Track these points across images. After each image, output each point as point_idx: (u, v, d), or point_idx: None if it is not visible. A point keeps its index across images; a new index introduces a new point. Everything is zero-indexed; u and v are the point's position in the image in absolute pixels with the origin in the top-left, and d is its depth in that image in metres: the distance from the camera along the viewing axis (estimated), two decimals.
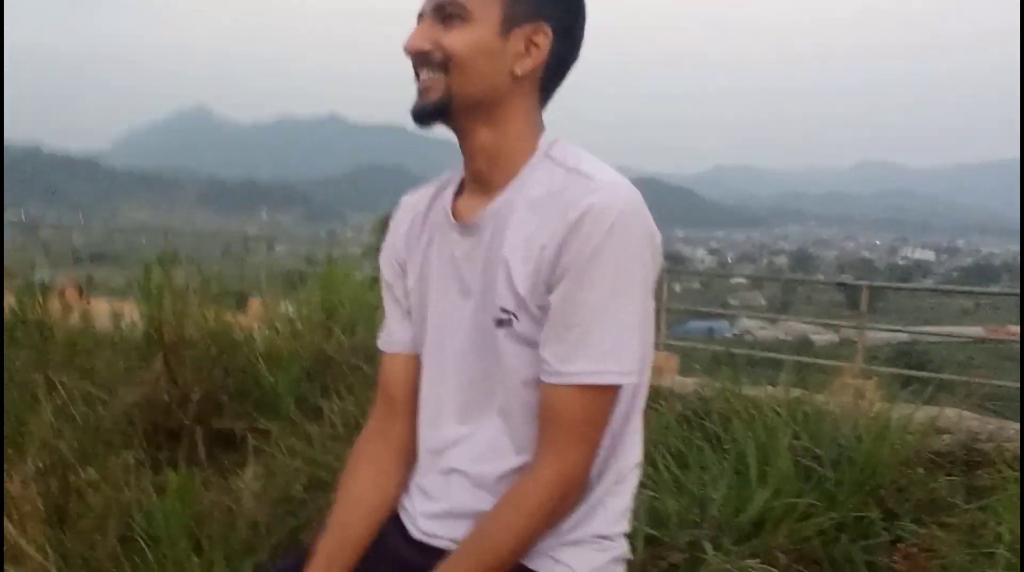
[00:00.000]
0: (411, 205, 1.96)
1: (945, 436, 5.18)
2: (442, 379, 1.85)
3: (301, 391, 4.05)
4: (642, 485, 3.49)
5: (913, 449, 4.21)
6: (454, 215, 1.83)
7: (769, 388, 5.22)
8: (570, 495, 1.68)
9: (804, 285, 70.65)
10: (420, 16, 1.73)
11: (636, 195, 1.66)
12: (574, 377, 1.63)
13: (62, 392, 3.68)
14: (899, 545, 2.92)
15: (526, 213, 1.71)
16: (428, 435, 1.89)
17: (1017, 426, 5.70)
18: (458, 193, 1.87)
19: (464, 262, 1.79)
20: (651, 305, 1.71)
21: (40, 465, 2.97)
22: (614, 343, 1.63)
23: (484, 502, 1.72)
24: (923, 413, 5.05)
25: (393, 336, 1.96)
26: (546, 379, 1.66)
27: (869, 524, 3.41)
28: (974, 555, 3.18)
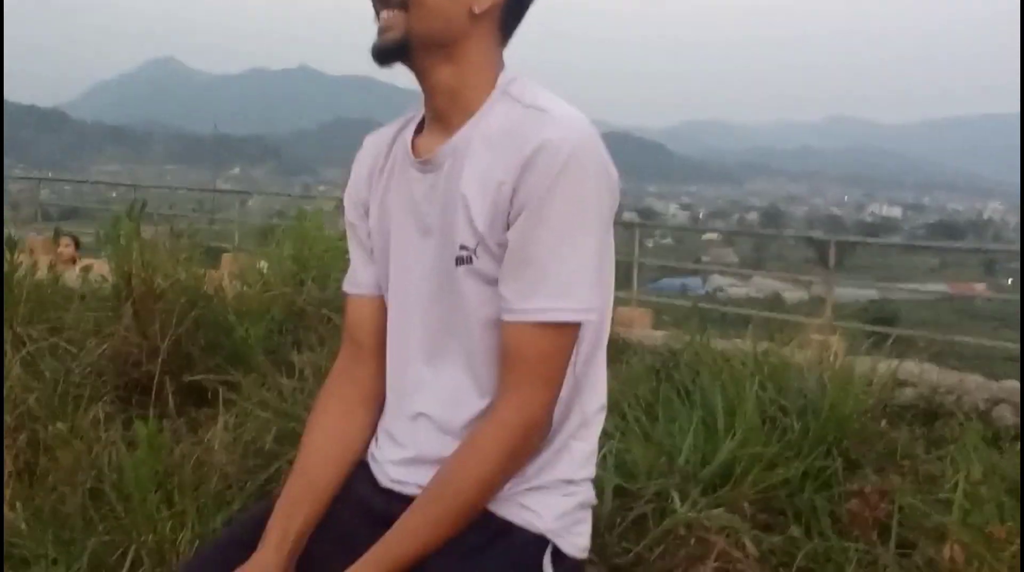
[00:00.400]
0: (373, 144, 1.95)
1: (907, 389, 5.29)
2: (407, 321, 1.84)
3: (272, 344, 4.05)
4: (610, 436, 3.57)
5: (876, 401, 4.28)
6: (414, 152, 1.82)
7: (737, 341, 5.28)
8: (532, 437, 1.68)
9: (776, 241, 70.84)
10: None
11: (591, 130, 1.67)
12: (531, 314, 1.63)
13: (29, 346, 3.65)
14: (856, 491, 2.98)
15: (483, 149, 1.70)
16: (395, 378, 1.88)
17: (978, 378, 5.82)
18: (419, 131, 1.86)
19: (423, 201, 1.79)
20: (610, 241, 1.72)
21: (8, 420, 2.95)
22: (571, 279, 1.63)
23: (450, 448, 1.72)
24: (886, 366, 5.14)
25: (357, 278, 1.96)
26: (505, 317, 1.66)
27: (832, 474, 3.46)
28: (930, 502, 3.24)
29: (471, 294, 1.72)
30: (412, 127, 1.87)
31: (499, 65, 1.80)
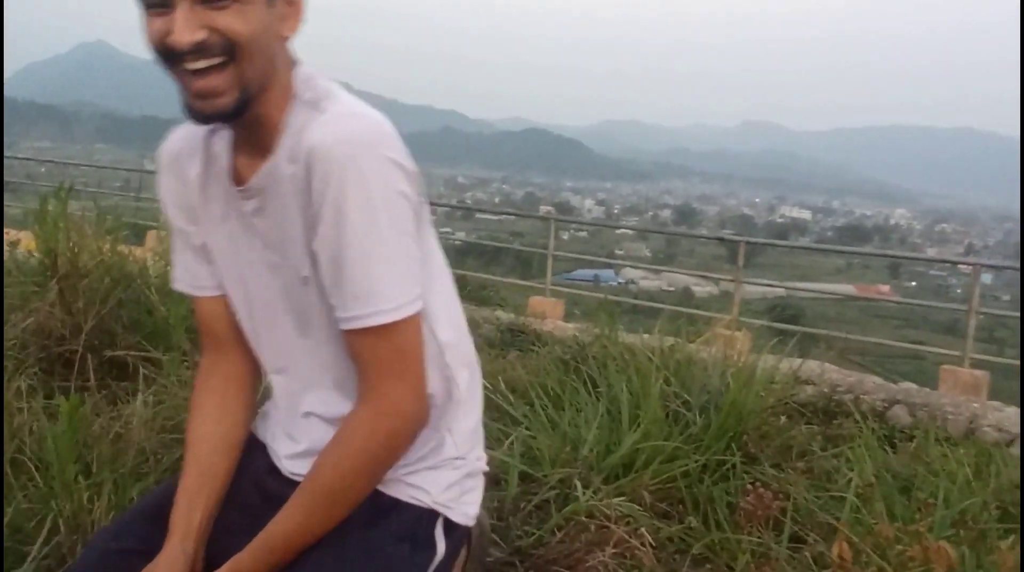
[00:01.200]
0: (189, 147, 1.83)
1: (808, 387, 5.48)
2: (273, 333, 1.84)
3: (192, 322, 4.07)
4: (517, 424, 3.67)
5: (777, 399, 4.43)
6: (235, 174, 1.75)
7: (645, 336, 5.42)
8: (398, 430, 1.67)
9: (687, 239, 71.91)
10: (160, 2, 1.53)
11: (369, 124, 1.59)
12: (353, 322, 1.62)
13: None
14: (751, 486, 3.10)
15: (290, 167, 1.63)
16: (279, 383, 1.90)
17: (876, 379, 6.04)
18: (233, 145, 1.76)
19: (258, 223, 1.74)
20: (409, 226, 1.63)
21: None
22: (375, 281, 1.59)
23: None
24: (788, 365, 5.32)
25: (200, 281, 1.90)
26: (340, 326, 1.65)
27: (731, 467, 3.59)
28: (824, 499, 3.39)
29: (323, 309, 1.70)
30: (225, 143, 1.76)
31: (291, 66, 1.70)
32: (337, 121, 1.58)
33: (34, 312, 3.74)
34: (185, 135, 1.83)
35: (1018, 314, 9.53)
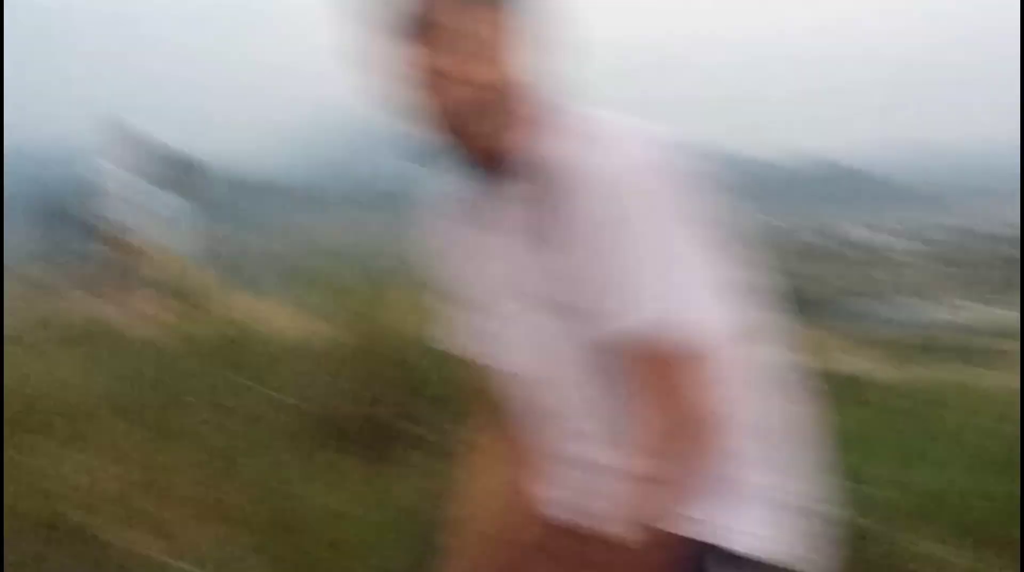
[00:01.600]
0: (434, 209, 1.84)
1: None
2: (542, 387, 1.75)
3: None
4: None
5: None
6: (476, 208, 1.72)
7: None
8: (683, 438, 1.55)
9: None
10: (407, 38, 1.54)
11: (636, 150, 1.53)
12: (641, 322, 1.50)
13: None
14: None
15: (540, 198, 1.60)
16: (554, 443, 1.80)
17: None
18: (477, 183, 1.70)
19: (512, 261, 1.68)
20: (693, 236, 1.54)
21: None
22: (671, 282, 1.50)
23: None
24: None
25: (469, 341, 1.86)
26: (620, 330, 1.53)
27: None
28: None
29: (579, 346, 1.62)
30: (467, 183, 1.71)
31: (539, 95, 1.64)
32: (608, 147, 1.53)
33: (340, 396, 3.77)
34: (434, 196, 1.82)
35: None
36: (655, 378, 1.53)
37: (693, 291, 1.52)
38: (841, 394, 5.45)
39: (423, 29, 1.53)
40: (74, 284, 9.61)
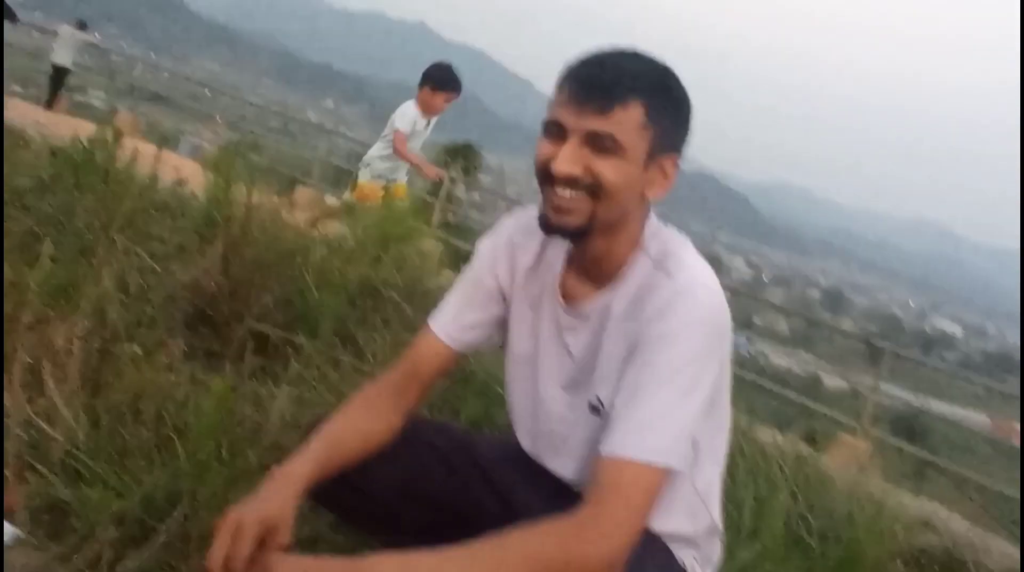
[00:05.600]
0: (524, 237, 2.06)
1: (930, 533, 5.21)
2: (537, 422, 2.05)
3: (341, 315, 4.06)
4: None
5: (900, 540, 4.21)
6: (563, 291, 1.97)
7: (778, 437, 5.21)
8: (589, 558, 1.63)
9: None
10: (556, 130, 1.79)
11: (710, 295, 1.79)
12: (620, 449, 1.70)
13: (120, 256, 3.68)
14: None
15: (623, 316, 1.85)
16: (523, 440, 2.11)
17: (1005, 545, 5.74)
18: (568, 262, 1.99)
19: (571, 341, 1.96)
20: (709, 388, 1.78)
21: (86, 324, 2.96)
22: (663, 425, 1.71)
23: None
24: (917, 506, 5.06)
25: (448, 325, 2.08)
26: (603, 448, 1.73)
27: None
28: None
29: (589, 435, 1.88)
30: (559, 255, 2.01)
31: (646, 218, 1.92)
32: (688, 289, 1.77)
33: (194, 268, 3.75)
34: (528, 225, 2.02)
35: None
36: (608, 488, 1.68)
37: (680, 445, 1.73)
38: None
39: None
40: None
